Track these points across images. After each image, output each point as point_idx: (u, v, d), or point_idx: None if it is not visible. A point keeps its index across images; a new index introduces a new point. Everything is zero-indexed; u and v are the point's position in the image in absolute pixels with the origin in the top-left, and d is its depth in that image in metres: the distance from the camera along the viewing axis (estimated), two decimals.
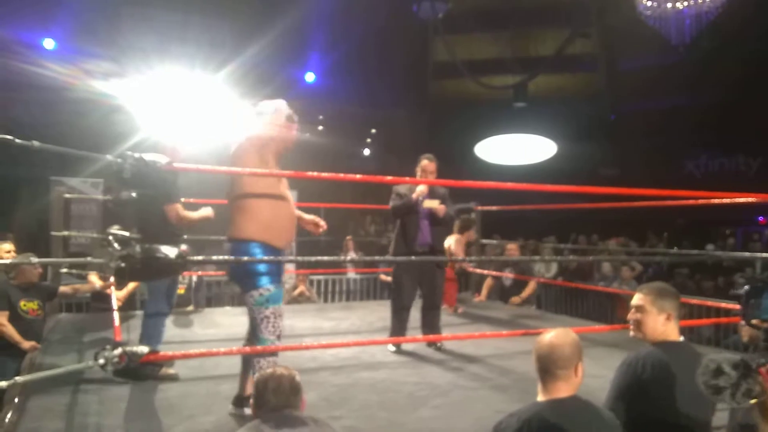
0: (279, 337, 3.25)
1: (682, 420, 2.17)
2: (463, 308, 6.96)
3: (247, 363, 3.38)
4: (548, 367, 2.01)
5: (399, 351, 4.86)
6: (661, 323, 2.37)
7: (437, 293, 5.21)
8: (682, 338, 2.34)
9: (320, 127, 14.85)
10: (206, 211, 4.34)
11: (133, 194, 4.14)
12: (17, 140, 2.56)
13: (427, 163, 4.96)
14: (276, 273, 3.25)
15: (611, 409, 2.22)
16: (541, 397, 2.03)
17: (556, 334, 2.07)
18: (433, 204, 4.88)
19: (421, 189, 4.91)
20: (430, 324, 5.13)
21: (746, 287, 1.85)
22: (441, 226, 5.13)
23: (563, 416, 1.94)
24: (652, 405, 2.19)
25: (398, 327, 5.01)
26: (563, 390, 1.99)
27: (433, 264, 5.05)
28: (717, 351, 2.08)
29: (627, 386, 2.24)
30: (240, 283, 3.32)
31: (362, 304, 7.93)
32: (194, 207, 4.45)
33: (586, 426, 1.98)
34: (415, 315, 5.15)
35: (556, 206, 6.53)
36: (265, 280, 3.18)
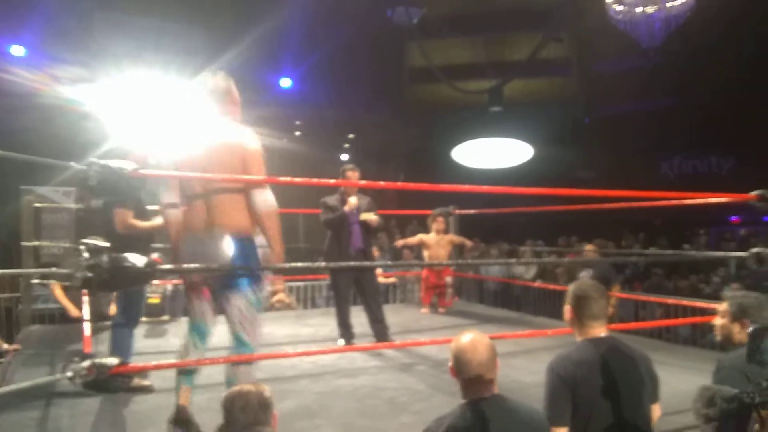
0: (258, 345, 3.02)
1: (616, 414, 2.16)
2: (444, 309, 7.00)
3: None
4: (469, 369, 2.02)
5: (348, 342, 5.24)
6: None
7: (376, 292, 5.54)
8: (603, 333, 2.37)
9: (297, 133, 14.79)
10: (159, 221, 3.86)
11: (100, 202, 4.00)
12: None
13: (351, 174, 5.24)
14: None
15: (549, 417, 2.19)
16: (464, 399, 2.04)
17: (474, 338, 2.09)
18: (369, 216, 5.32)
19: (354, 202, 5.24)
20: (377, 319, 5.34)
21: (751, 329, 1.78)
22: (370, 233, 5.52)
23: (487, 417, 1.96)
24: (584, 403, 2.19)
25: (347, 334, 5.32)
26: (485, 390, 2.02)
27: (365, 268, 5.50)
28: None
29: (555, 390, 2.24)
30: (235, 278, 2.94)
31: None
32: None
33: (511, 425, 1.98)
34: (394, 320, 5.13)
35: (533, 209, 6.56)
36: (262, 279, 3.02)
